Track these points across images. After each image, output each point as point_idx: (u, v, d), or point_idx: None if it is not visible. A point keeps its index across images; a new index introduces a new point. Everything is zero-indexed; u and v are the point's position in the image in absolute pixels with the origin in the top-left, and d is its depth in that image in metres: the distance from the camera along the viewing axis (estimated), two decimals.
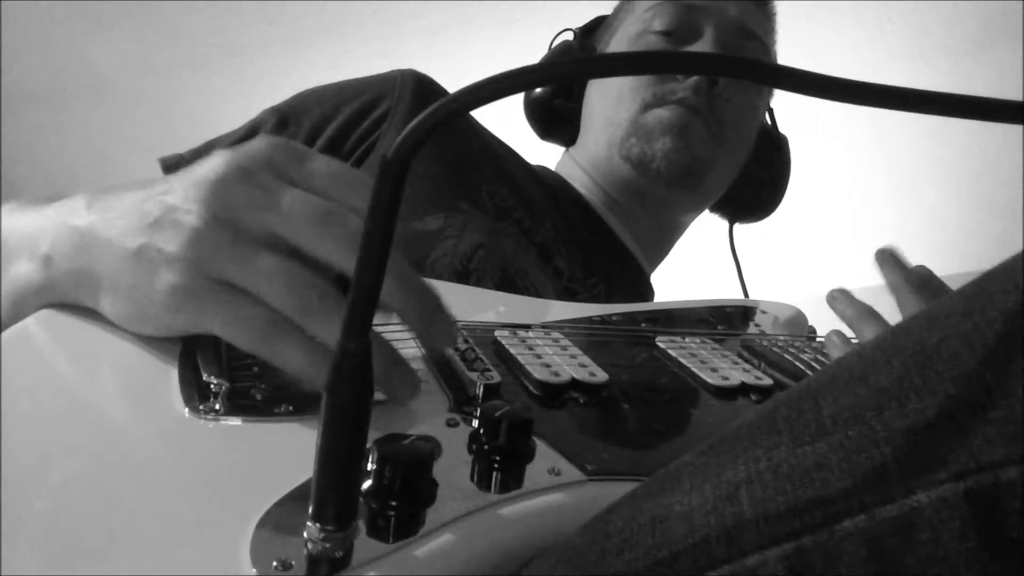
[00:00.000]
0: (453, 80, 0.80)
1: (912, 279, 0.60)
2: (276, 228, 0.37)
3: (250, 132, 0.78)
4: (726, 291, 0.81)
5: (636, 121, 0.82)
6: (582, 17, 0.98)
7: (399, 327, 0.40)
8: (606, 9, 0.97)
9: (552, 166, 0.96)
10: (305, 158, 0.40)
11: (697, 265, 1.12)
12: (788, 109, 0.99)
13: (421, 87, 0.80)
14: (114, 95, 2.20)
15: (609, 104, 0.85)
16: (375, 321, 0.27)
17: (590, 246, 0.85)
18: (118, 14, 1.98)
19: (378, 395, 0.29)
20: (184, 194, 0.39)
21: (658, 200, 0.87)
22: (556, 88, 0.92)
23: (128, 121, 2.23)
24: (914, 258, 0.62)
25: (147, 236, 0.38)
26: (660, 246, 0.95)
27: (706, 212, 0.97)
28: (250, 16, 1.97)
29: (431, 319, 0.38)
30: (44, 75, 2.16)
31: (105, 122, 2.26)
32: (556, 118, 0.93)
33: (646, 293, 0.92)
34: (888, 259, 0.62)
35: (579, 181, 0.90)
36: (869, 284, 0.64)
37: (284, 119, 0.78)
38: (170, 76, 2.13)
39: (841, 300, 0.62)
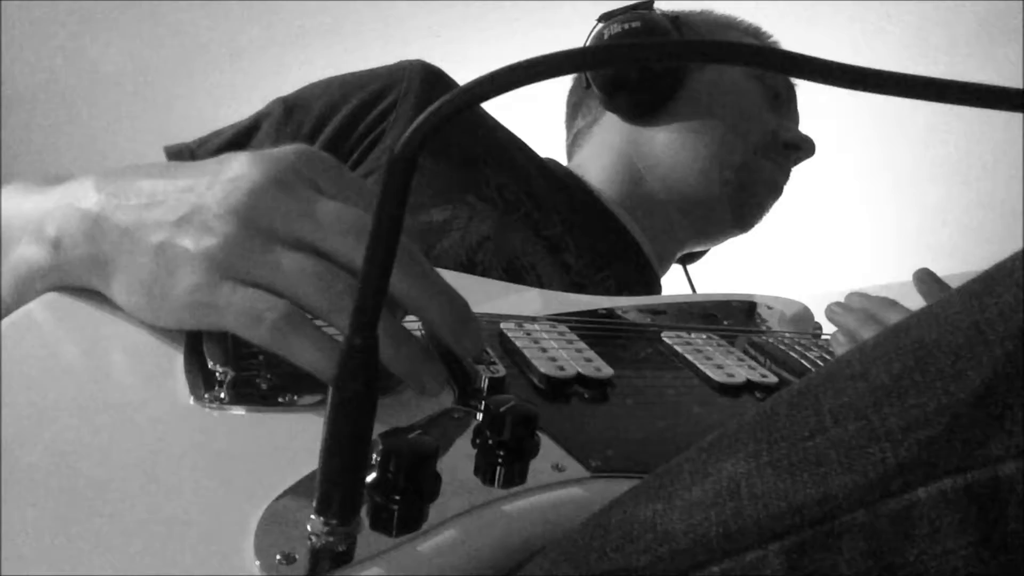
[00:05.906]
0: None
1: None
2: (310, 237, 0.37)
3: (256, 122, 0.76)
4: (737, 288, 0.81)
5: (749, 160, 0.86)
6: (581, 17, 0.97)
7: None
8: (606, 8, 0.95)
9: (561, 159, 0.93)
10: (336, 170, 0.41)
11: (710, 263, 1.12)
12: None
13: (429, 78, 0.78)
14: (114, 95, 2.20)
15: (731, 115, 0.86)
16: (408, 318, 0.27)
17: (600, 241, 0.83)
18: (118, 14, 1.98)
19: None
20: (214, 196, 0.38)
21: (698, 222, 0.91)
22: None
23: (128, 121, 2.23)
24: (914, 258, 0.62)
25: (169, 232, 0.38)
26: (673, 247, 0.94)
27: None
28: (250, 16, 1.97)
29: (462, 328, 0.39)
30: (44, 75, 2.16)
31: (105, 122, 2.26)
32: (649, 92, 0.85)
33: (656, 291, 0.90)
34: (926, 280, 0.63)
35: (595, 176, 0.89)
36: (870, 284, 0.64)
37: (290, 109, 0.77)
38: (170, 76, 2.13)
39: (840, 313, 0.62)
